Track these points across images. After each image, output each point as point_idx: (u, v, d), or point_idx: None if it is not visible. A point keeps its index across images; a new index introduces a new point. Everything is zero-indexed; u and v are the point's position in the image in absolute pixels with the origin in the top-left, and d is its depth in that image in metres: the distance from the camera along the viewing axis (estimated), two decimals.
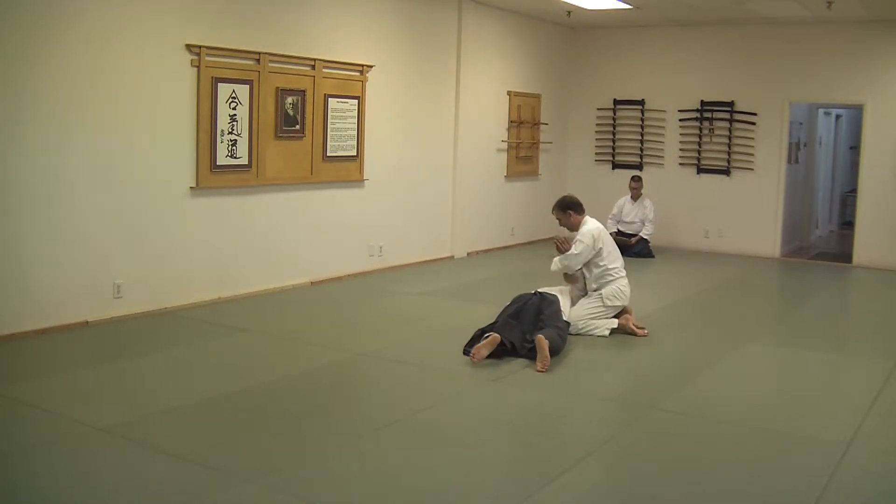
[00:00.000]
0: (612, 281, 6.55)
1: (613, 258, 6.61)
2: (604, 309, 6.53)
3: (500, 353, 5.69)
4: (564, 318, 6.16)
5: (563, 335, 5.93)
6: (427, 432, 4.48)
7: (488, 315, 6.34)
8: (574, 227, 6.70)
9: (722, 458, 4.22)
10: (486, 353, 5.62)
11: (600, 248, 6.54)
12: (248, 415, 4.68)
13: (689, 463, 4.15)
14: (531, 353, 5.66)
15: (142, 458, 4.00)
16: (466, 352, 5.72)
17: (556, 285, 6.67)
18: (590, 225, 6.61)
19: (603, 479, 3.99)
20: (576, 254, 6.50)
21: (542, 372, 5.48)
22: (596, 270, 6.57)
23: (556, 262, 6.63)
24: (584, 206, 6.81)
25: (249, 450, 4.15)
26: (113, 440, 4.17)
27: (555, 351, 5.70)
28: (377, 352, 5.95)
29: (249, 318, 6.83)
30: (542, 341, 5.58)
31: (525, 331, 5.81)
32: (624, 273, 6.67)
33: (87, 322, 6.38)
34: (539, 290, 6.38)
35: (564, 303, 6.34)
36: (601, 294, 6.54)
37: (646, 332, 6.53)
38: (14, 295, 5.93)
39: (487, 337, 5.70)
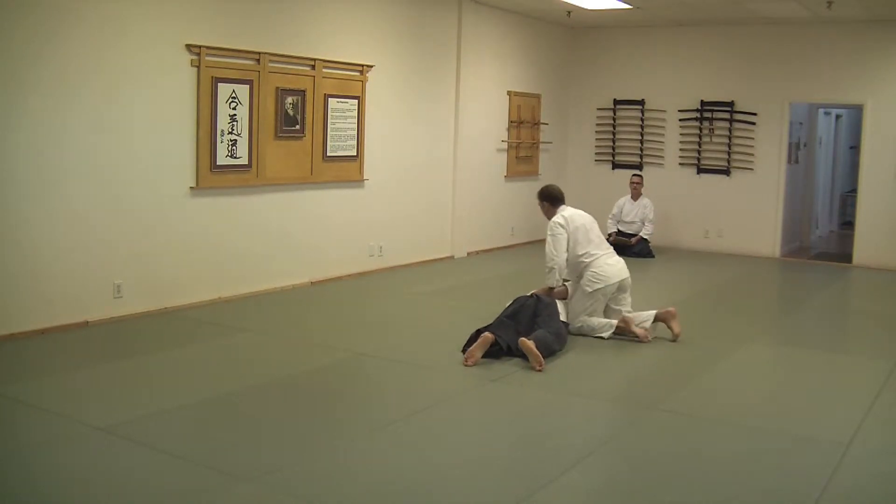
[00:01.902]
0: (586, 266, 6.42)
1: (583, 244, 6.45)
2: (589, 299, 6.41)
3: (496, 353, 5.69)
4: (562, 319, 6.15)
5: (559, 335, 5.92)
6: (427, 432, 4.48)
7: (488, 315, 6.33)
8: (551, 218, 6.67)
9: (722, 457, 4.22)
10: (479, 354, 5.61)
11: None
12: (249, 414, 4.68)
13: (688, 463, 4.15)
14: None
15: (142, 458, 4.00)
16: (465, 352, 5.72)
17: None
18: (556, 217, 6.50)
19: (603, 479, 3.99)
20: (551, 251, 6.38)
21: (541, 371, 5.47)
22: (570, 261, 6.47)
23: (549, 276, 6.44)
24: (586, 204, 6.79)
25: (249, 450, 4.14)
26: (113, 440, 4.17)
27: (547, 350, 5.67)
28: (377, 352, 5.95)
29: (249, 318, 6.83)
30: (526, 343, 5.55)
31: (521, 331, 5.78)
32: (597, 254, 6.45)
33: (87, 322, 6.38)
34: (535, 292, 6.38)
35: (561, 304, 6.33)
36: (582, 284, 6.46)
37: (646, 333, 6.48)
38: (14, 295, 5.93)
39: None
